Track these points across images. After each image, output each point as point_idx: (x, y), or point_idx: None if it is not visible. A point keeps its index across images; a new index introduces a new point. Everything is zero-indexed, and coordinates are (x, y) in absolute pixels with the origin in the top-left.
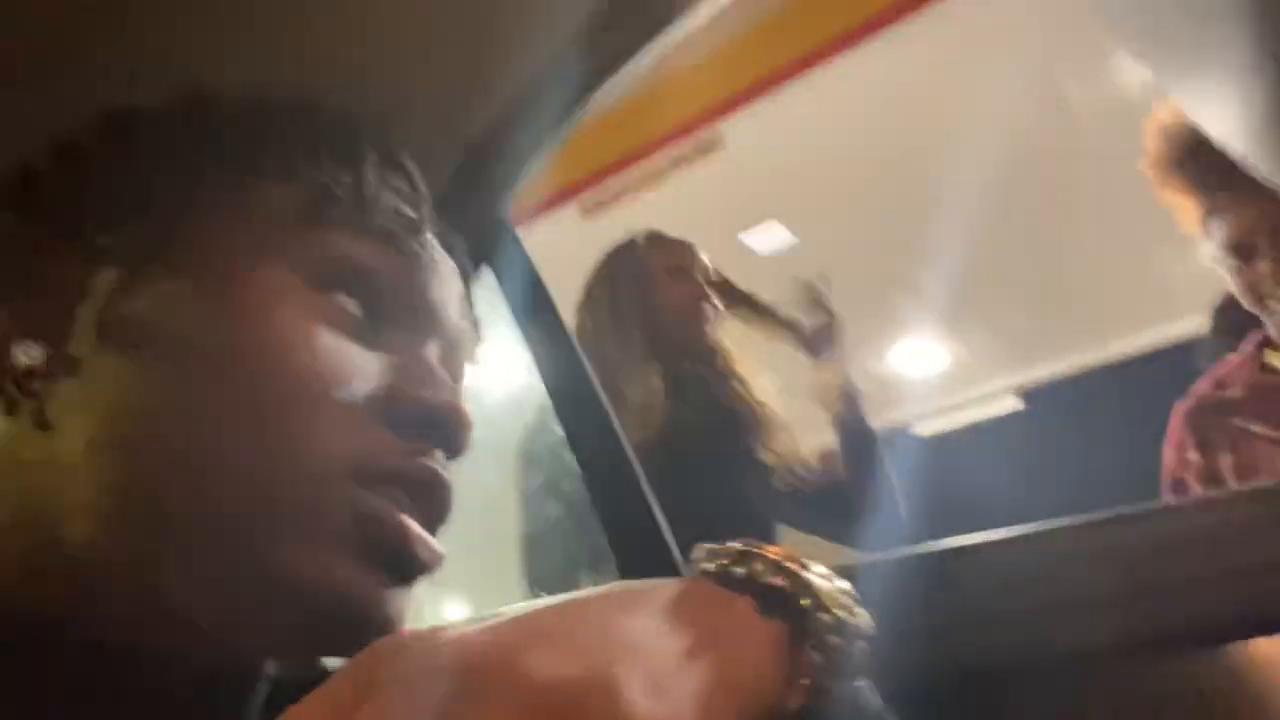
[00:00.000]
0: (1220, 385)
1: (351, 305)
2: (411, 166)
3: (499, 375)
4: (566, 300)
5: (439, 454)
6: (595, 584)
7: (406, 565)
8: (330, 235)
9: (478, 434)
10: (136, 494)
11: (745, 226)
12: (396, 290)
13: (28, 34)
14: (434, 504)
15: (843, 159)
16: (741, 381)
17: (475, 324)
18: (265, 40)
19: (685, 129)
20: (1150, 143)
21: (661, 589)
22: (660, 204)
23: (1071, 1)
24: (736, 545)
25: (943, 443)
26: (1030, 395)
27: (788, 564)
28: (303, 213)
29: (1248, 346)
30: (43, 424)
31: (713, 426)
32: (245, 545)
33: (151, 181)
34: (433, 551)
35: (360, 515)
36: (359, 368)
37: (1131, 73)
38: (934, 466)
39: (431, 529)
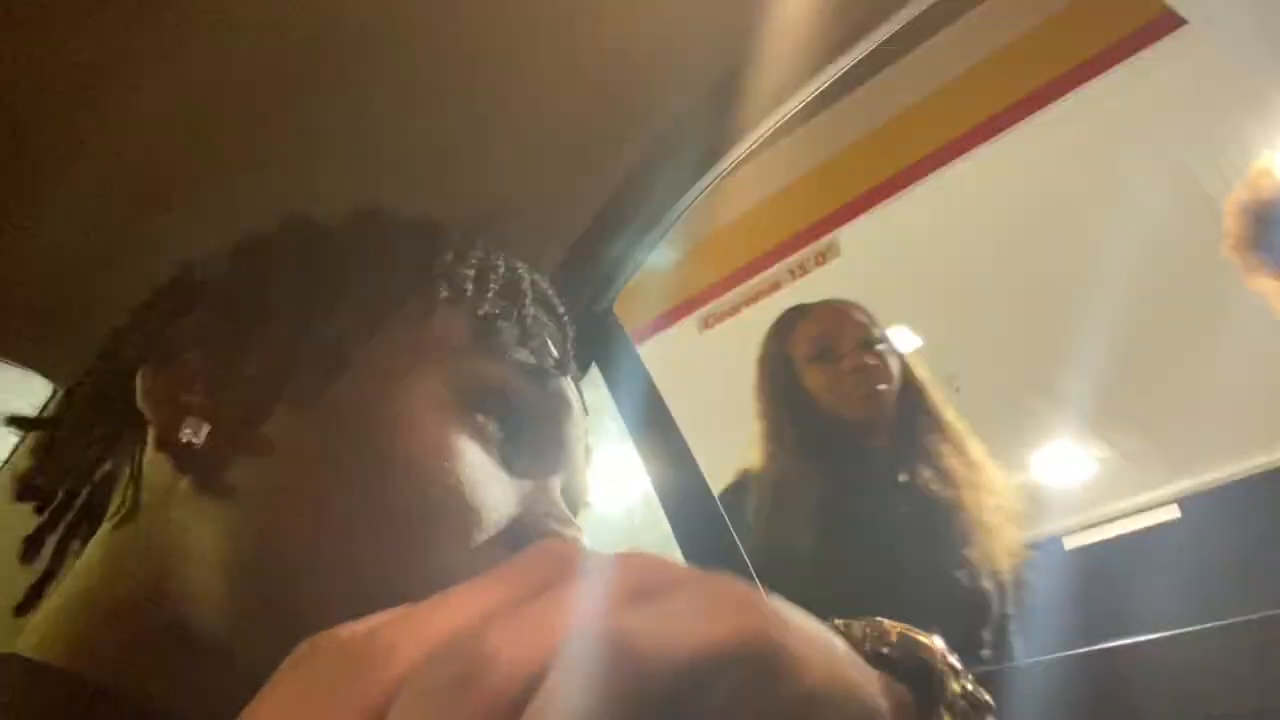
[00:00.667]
0: None
1: (494, 429)
2: (561, 306)
3: (612, 481)
4: (684, 410)
5: None
6: None
7: None
8: (486, 362)
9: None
10: (270, 593)
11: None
12: (535, 422)
13: (175, 163)
14: None
15: (963, 259)
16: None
17: (588, 453)
18: (377, 160)
19: (801, 239)
20: (1230, 223)
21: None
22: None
23: (1197, 86)
24: (861, 622)
25: (1095, 553)
26: (1186, 503)
27: (919, 638)
28: (467, 338)
29: None
30: (215, 488)
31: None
32: None
33: (340, 287)
34: None
35: None
36: (496, 490)
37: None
38: (1085, 578)
39: None
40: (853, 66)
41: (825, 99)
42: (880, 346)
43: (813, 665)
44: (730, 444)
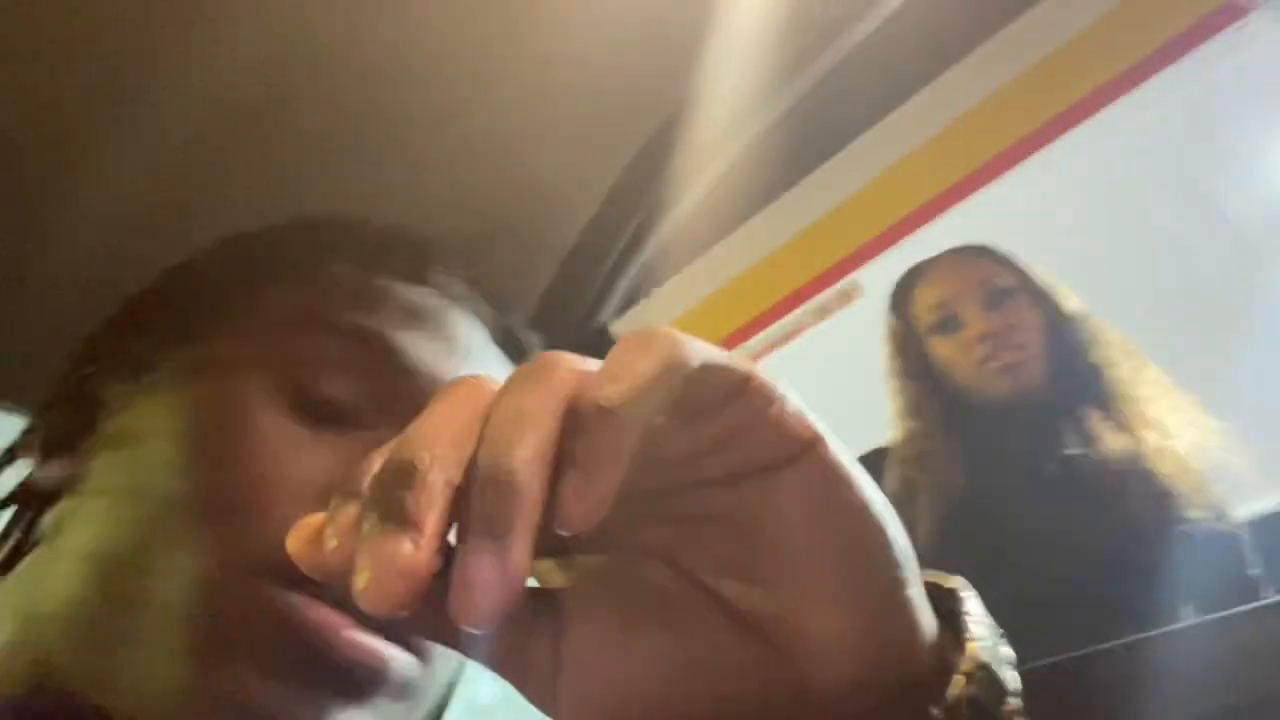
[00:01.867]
0: None
1: (337, 389)
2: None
3: None
4: None
5: None
6: None
7: (340, 675)
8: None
9: None
10: (94, 604)
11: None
12: (379, 378)
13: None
14: None
15: None
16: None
17: None
18: (366, 175)
19: (822, 281)
20: None
21: None
22: (807, 355)
23: (1208, 105)
24: None
25: None
26: None
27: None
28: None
29: None
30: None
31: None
32: (177, 658)
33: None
34: (377, 658)
35: (275, 615)
36: (314, 459)
37: None
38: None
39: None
40: (865, 103)
41: (840, 139)
42: (1012, 300)
43: None
44: None
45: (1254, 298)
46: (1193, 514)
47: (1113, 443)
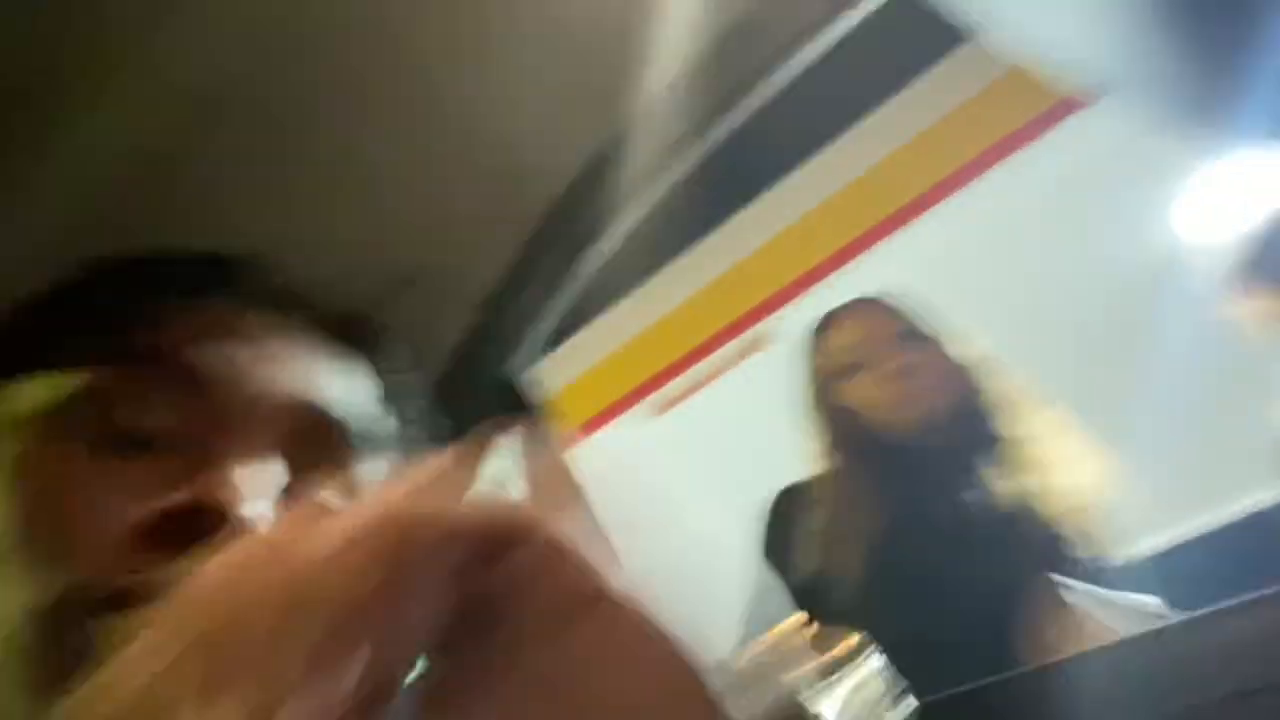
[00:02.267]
0: None
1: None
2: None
3: None
4: (640, 498)
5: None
6: None
7: None
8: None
9: None
10: None
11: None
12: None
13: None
14: None
15: None
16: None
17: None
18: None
19: (744, 321)
20: (1209, 256)
21: None
22: (729, 394)
23: (1096, 163)
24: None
25: None
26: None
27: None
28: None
29: None
30: None
31: None
32: (15, 693)
33: None
34: None
35: (100, 644)
36: (123, 486)
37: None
38: None
39: None
40: (775, 156)
41: (752, 189)
42: (916, 342)
43: None
44: (692, 517)
45: (1140, 339)
46: (1080, 553)
47: (1004, 486)
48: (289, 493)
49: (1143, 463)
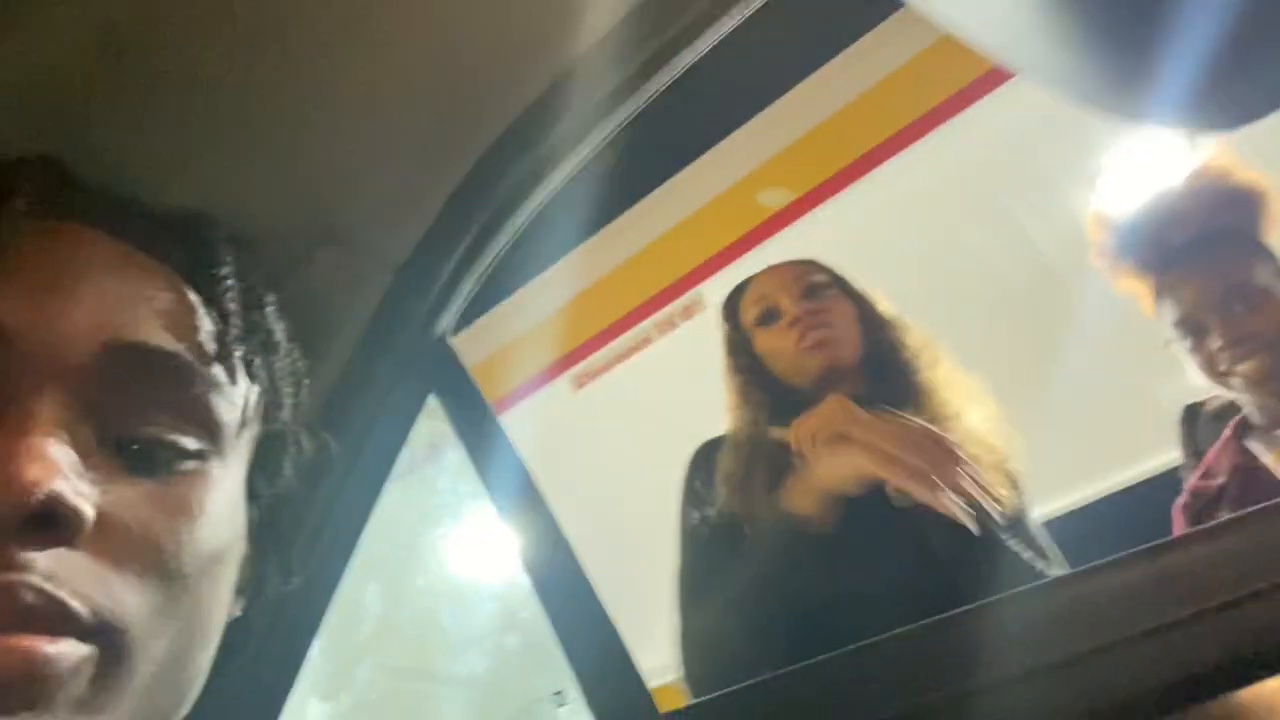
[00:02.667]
0: (1207, 475)
1: None
2: None
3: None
4: (561, 471)
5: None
6: None
7: None
8: None
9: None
10: None
11: None
12: None
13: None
14: None
15: None
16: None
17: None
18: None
19: (666, 295)
20: (1093, 232)
21: None
22: (650, 369)
23: (1015, 138)
24: None
25: None
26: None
27: None
28: None
29: (1226, 430)
30: None
31: None
32: None
33: None
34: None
35: None
36: None
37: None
38: None
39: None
40: (706, 121)
41: (686, 153)
42: (826, 292)
43: None
44: (608, 498)
45: (1054, 310)
46: (990, 507)
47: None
48: (128, 440)
49: (1047, 429)
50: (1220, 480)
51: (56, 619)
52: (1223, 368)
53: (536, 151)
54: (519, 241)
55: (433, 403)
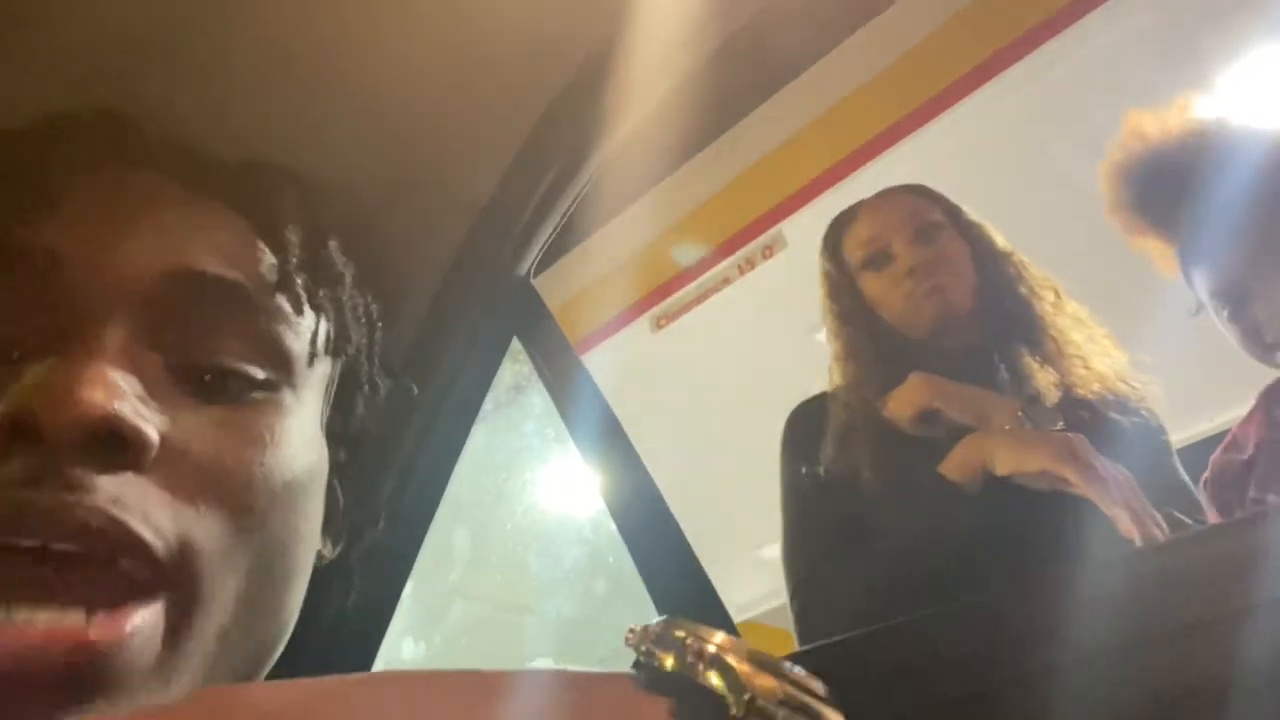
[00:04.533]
0: (1232, 448)
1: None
2: None
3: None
4: (641, 413)
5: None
6: None
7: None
8: None
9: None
10: None
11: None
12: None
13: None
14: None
15: None
16: None
17: None
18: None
19: (746, 234)
20: (1105, 187)
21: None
22: (730, 309)
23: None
24: (677, 630)
25: None
26: None
27: (728, 657)
28: None
29: (1253, 399)
30: None
31: None
32: None
33: None
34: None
35: None
36: None
37: None
38: None
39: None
40: (787, 55)
41: (764, 90)
42: (941, 234)
43: None
44: (689, 440)
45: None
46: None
47: (1041, 378)
48: (196, 369)
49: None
50: (1248, 454)
51: (122, 545)
52: (1270, 339)
53: (612, 89)
54: (598, 181)
55: (515, 345)
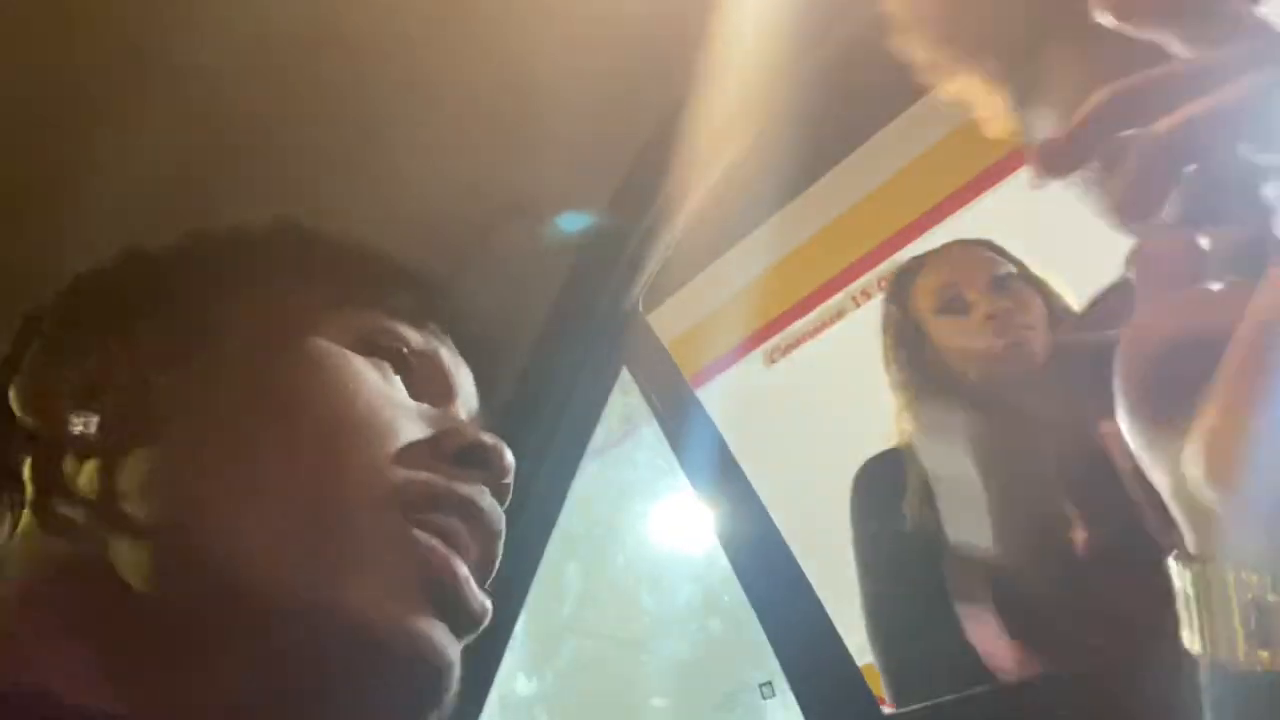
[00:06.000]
0: None
1: (387, 368)
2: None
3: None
4: (755, 448)
5: (485, 490)
6: None
7: (458, 613)
8: (369, 312)
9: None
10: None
11: None
12: (422, 362)
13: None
14: (483, 536)
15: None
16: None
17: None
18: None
19: (861, 265)
20: None
21: None
22: (843, 341)
23: None
24: None
25: None
26: None
27: None
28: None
29: None
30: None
31: None
32: (310, 581)
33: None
34: (480, 603)
35: (415, 550)
36: (401, 409)
37: None
38: None
39: (481, 576)
40: (879, 101)
41: (882, 116)
42: (1016, 284)
43: None
44: (806, 475)
45: None
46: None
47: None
48: None
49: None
50: None
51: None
52: None
53: (716, 121)
54: (708, 215)
55: (625, 377)
